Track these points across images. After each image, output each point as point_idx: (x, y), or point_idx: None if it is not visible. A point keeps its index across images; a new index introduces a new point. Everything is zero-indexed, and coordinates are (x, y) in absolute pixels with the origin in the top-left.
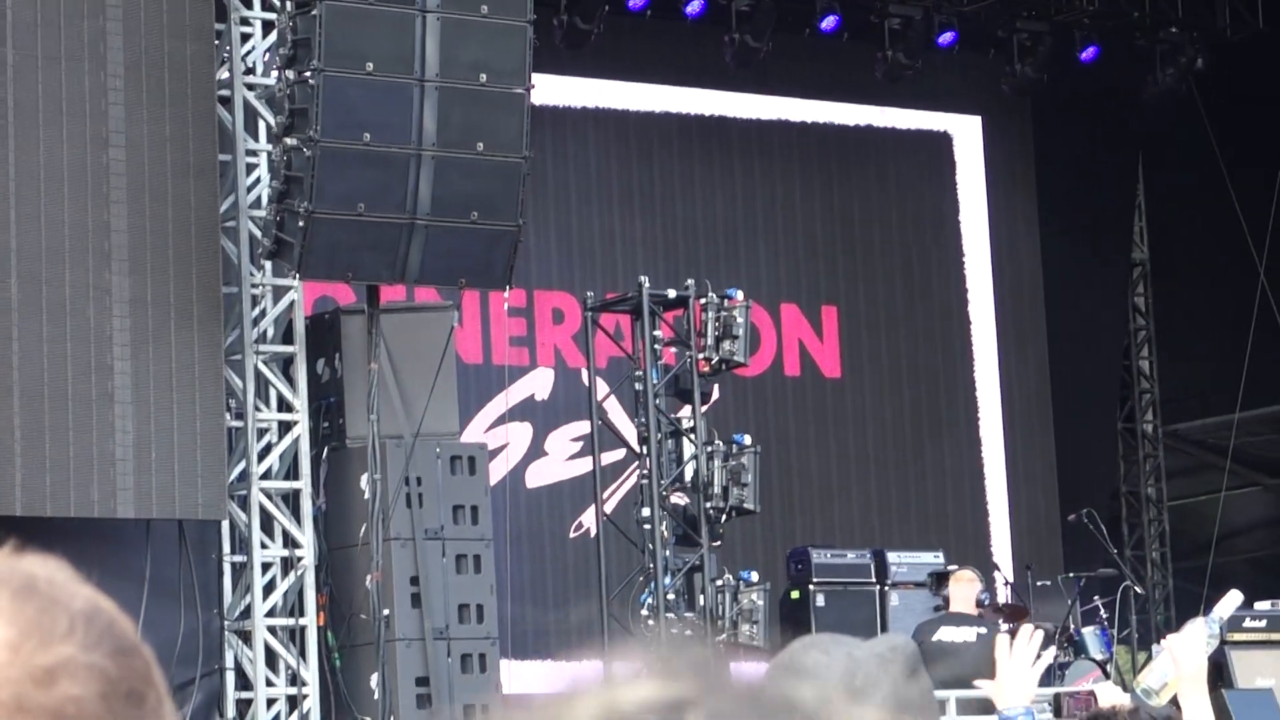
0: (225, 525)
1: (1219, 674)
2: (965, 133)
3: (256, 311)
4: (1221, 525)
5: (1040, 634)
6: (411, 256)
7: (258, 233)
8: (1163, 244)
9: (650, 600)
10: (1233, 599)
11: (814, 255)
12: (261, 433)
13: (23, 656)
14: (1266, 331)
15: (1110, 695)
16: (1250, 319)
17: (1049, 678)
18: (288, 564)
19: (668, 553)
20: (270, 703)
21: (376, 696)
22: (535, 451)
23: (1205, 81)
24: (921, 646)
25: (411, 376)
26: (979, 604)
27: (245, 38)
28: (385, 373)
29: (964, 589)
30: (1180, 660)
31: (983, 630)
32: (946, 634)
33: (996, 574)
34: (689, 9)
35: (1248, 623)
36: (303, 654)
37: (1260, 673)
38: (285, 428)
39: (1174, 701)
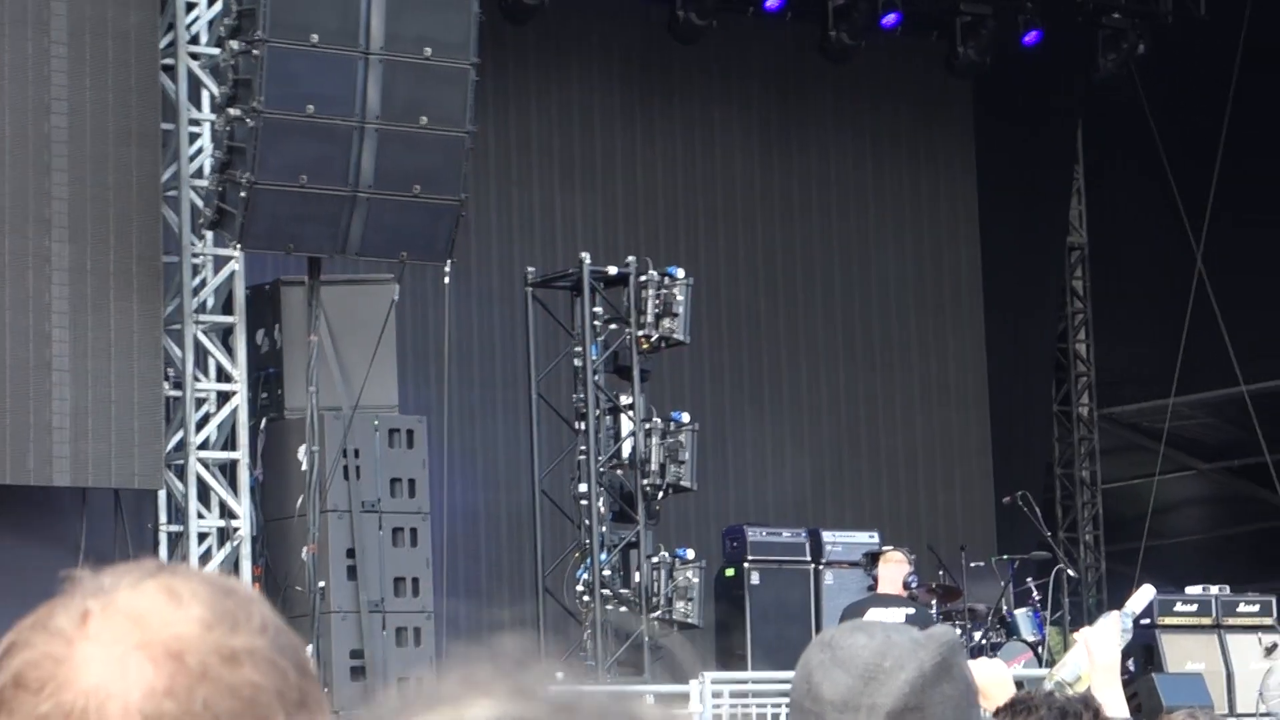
0: (162, 495)
1: (1149, 658)
2: (907, 114)
3: (197, 281)
4: (1155, 509)
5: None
6: (353, 229)
7: (199, 202)
8: (1101, 228)
9: (586, 576)
10: (1145, 594)
11: (754, 234)
12: (200, 403)
13: (215, 634)
14: (1203, 316)
15: (983, 669)
16: (1187, 303)
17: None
18: (224, 534)
19: (604, 529)
20: None
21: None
22: None
23: (1147, 67)
24: None
25: (351, 349)
26: (906, 585)
27: (190, 7)
28: (325, 345)
29: (892, 569)
30: (1094, 653)
31: (911, 611)
32: (876, 614)
33: (931, 555)
34: None
35: (1179, 607)
36: None
37: (1190, 657)
38: (224, 398)
39: None
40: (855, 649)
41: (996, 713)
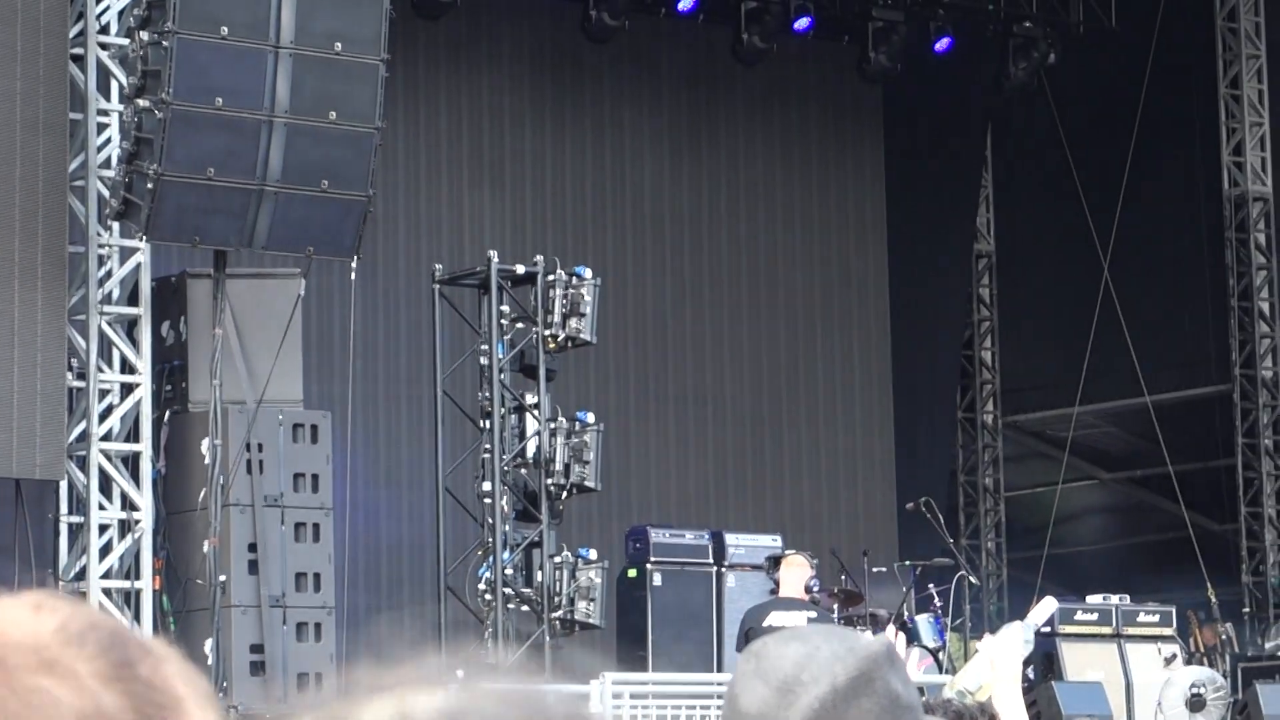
0: (63, 486)
1: (1049, 666)
2: (817, 119)
3: (102, 272)
4: (1057, 517)
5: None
6: (260, 223)
7: (106, 193)
8: (1008, 236)
9: (488, 575)
10: (1047, 606)
11: (663, 235)
12: (103, 394)
13: (47, 644)
14: (1108, 326)
15: (994, 643)
16: (1093, 313)
17: None
18: (125, 526)
19: (507, 528)
20: None
21: (210, 662)
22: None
23: (1057, 76)
24: (751, 632)
25: (257, 343)
26: (808, 589)
27: None
28: (230, 338)
29: (794, 573)
30: (996, 663)
31: (813, 615)
32: (777, 619)
33: (833, 559)
34: None
35: (1079, 616)
36: (137, 617)
37: (1090, 665)
38: (127, 390)
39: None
40: (779, 659)
41: None
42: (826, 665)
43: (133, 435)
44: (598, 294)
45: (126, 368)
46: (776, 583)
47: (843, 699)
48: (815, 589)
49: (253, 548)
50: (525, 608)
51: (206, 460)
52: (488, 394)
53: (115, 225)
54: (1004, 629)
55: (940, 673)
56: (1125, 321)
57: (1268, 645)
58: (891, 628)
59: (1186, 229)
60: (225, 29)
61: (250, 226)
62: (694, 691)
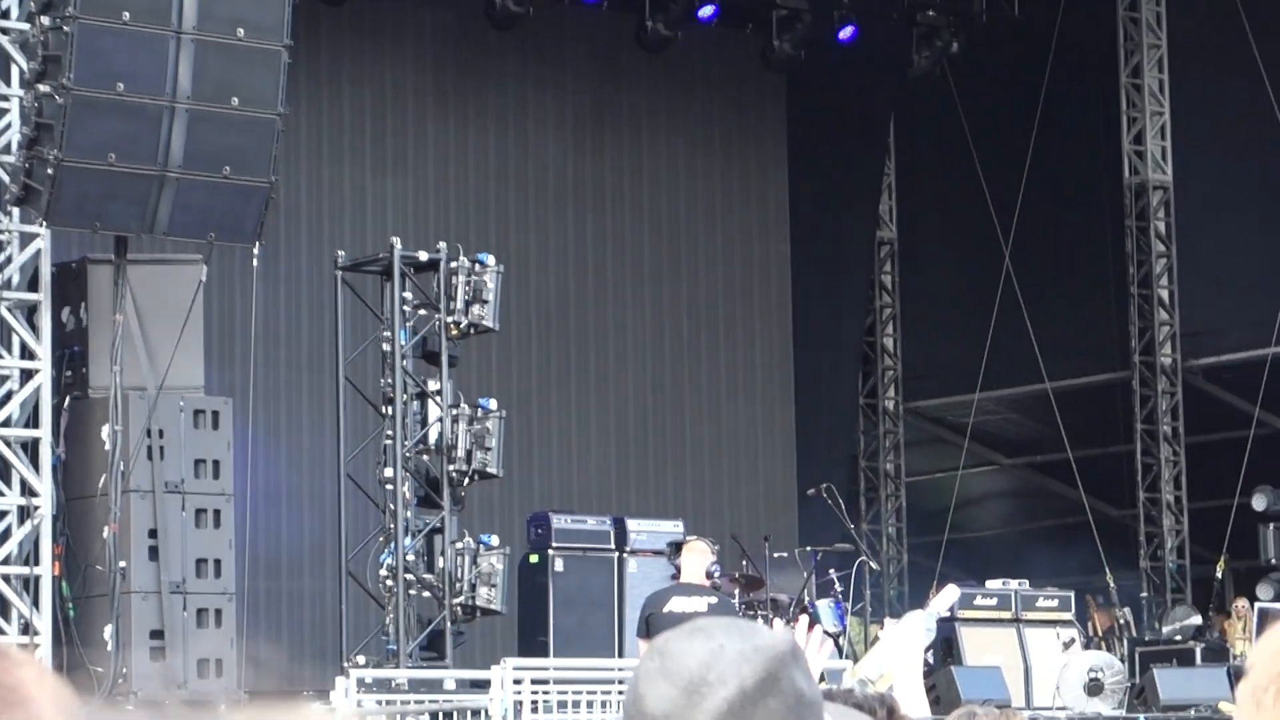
0: None
1: (948, 650)
2: (721, 106)
3: (2, 258)
4: (958, 503)
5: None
6: (161, 208)
7: (6, 178)
8: (911, 224)
9: (389, 561)
10: (949, 594)
11: (566, 222)
12: (2, 380)
13: None
14: (1009, 313)
15: (892, 633)
16: (994, 300)
17: None
18: (24, 512)
19: (409, 514)
20: None
21: (110, 648)
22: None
23: (960, 65)
24: (652, 617)
25: (157, 329)
26: (709, 574)
27: None
28: (131, 324)
29: (695, 559)
30: (897, 651)
31: (713, 600)
32: (678, 604)
33: (734, 544)
34: None
35: (979, 601)
36: (36, 603)
37: (989, 649)
38: (27, 376)
39: None
40: (683, 657)
41: None
42: (734, 665)
43: (32, 421)
44: (500, 281)
45: (26, 353)
46: (678, 568)
47: (750, 700)
48: (716, 574)
49: (153, 534)
50: (426, 594)
51: (107, 446)
52: (390, 380)
53: (15, 211)
54: (905, 617)
55: (840, 658)
56: (1026, 309)
57: (1165, 630)
58: (804, 618)
59: (1088, 217)
60: (127, 14)
61: (152, 212)
62: (595, 677)
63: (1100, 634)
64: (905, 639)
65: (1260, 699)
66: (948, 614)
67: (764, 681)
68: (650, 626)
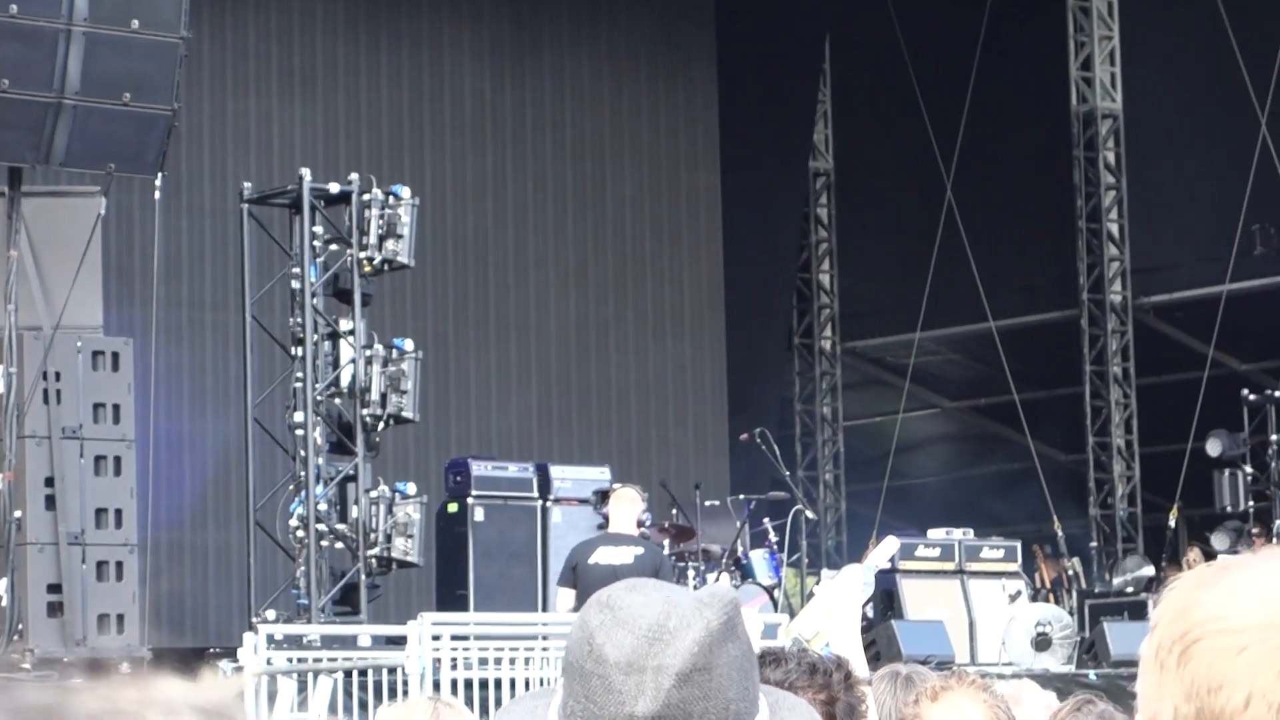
0: None
1: (889, 604)
2: (647, 30)
3: None
4: (898, 448)
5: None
6: (57, 138)
7: None
8: (848, 154)
9: (300, 510)
10: (888, 546)
11: (484, 153)
12: None
13: None
14: (951, 248)
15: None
16: (935, 235)
17: None
18: None
19: (320, 461)
20: None
21: (4, 603)
22: None
23: None
24: (578, 568)
25: (54, 265)
26: (639, 524)
27: None
28: (25, 260)
29: (624, 508)
30: (833, 608)
31: (640, 551)
32: (604, 555)
33: (663, 492)
34: None
35: (920, 551)
36: None
37: (932, 603)
38: None
39: None
40: (637, 609)
41: None
42: (693, 612)
43: None
44: (416, 214)
45: None
46: (605, 517)
47: (716, 643)
48: (647, 524)
49: (50, 482)
50: (339, 545)
51: (0, 389)
52: (299, 320)
53: None
54: (842, 571)
55: (775, 611)
56: (969, 244)
57: (1116, 581)
58: (725, 576)
59: (1034, 147)
60: None
61: (47, 142)
62: (518, 632)
63: (1048, 585)
64: (842, 594)
65: (1164, 660)
66: (888, 566)
67: (725, 625)
68: (576, 577)
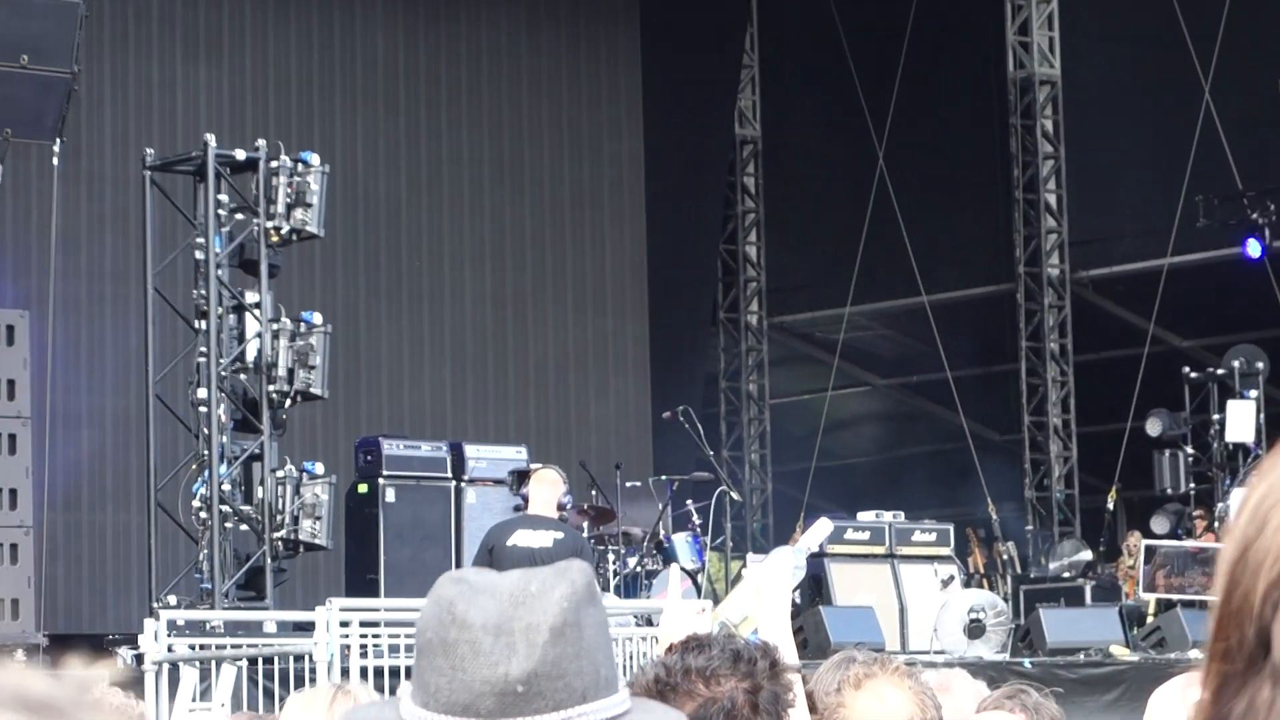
0: None
1: (817, 589)
2: None
3: None
4: (827, 426)
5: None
6: None
7: None
8: (775, 121)
9: (203, 490)
10: (820, 529)
11: (397, 119)
12: None
13: None
14: (883, 219)
15: (672, 608)
16: (866, 206)
17: (635, 588)
18: None
19: (225, 439)
20: None
21: None
22: None
23: None
24: (494, 551)
25: None
26: (560, 507)
27: None
28: None
29: (544, 490)
30: (762, 592)
31: (560, 535)
32: (523, 538)
33: (582, 473)
34: None
35: (849, 535)
36: None
37: (861, 588)
38: None
39: None
40: (493, 580)
41: (668, 649)
42: (555, 575)
43: None
44: (325, 182)
45: None
46: (524, 499)
47: (582, 603)
48: (569, 506)
49: None
50: (244, 527)
51: None
52: (203, 292)
53: None
54: (771, 555)
55: (699, 597)
56: (901, 215)
57: (1052, 566)
58: (676, 568)
59: (969, 114)
60: None
61: None
62: None
63: (982, 571)
64: (771, 579)
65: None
66: (817, 550)
67: (588, 587)
68: (493, 559)
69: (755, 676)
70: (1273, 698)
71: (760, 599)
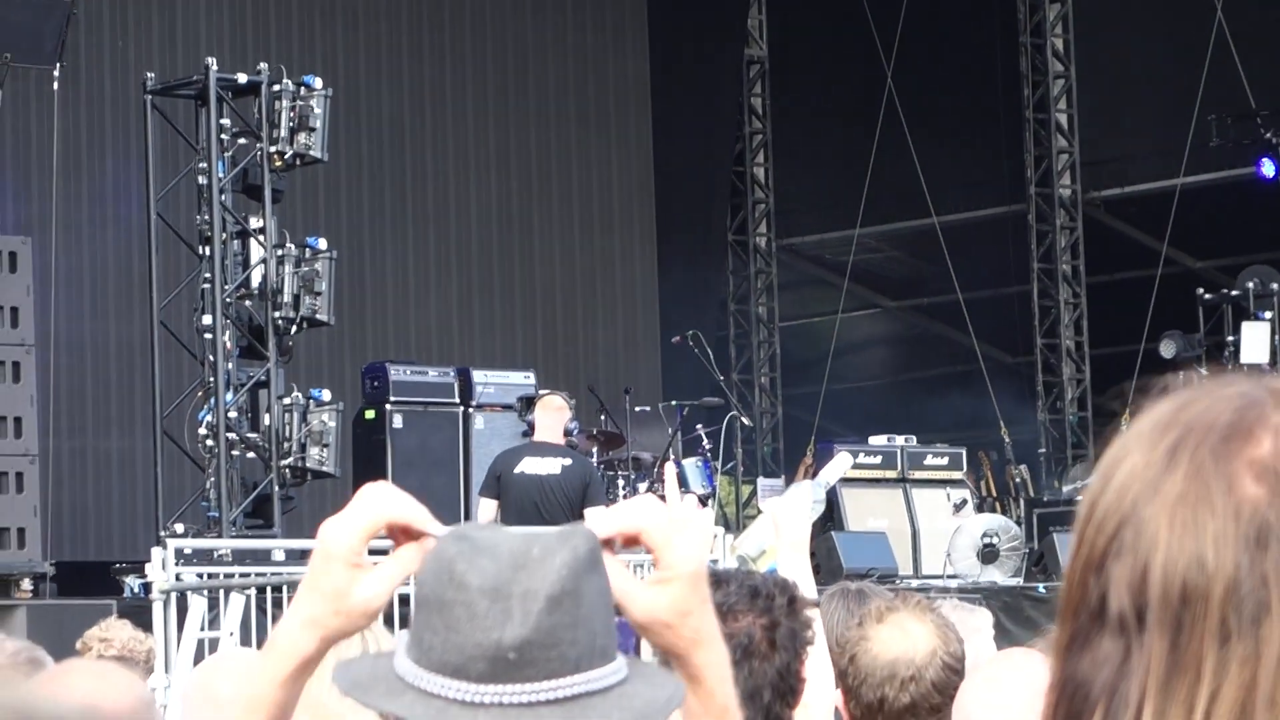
0: None
1: (828, 514)
2: None
3: None
4: (837, 349)
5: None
6: None
7: None
8: (783, 40)
9: (209, 418)
10: (840, 463)
11: (399, 40)
12: None
13: None
14: (892, 140)
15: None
16: (875, 125)
17: None
18: None
19: (230, 366)
20: None
21: None
22: None
23: None
24: (502, 478)
25: None
26: (567, 433)
27: None
28: None
29: (550, 417)
30: (781, 527)
31: (568, 462)
32: (530, 465)
33: (591, 397)
34: None
35: (861, 459)
36: None
37: (873, 513)
38: None
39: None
40: (496, 539)
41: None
42: (559, 539)
43: None
44: (328, 105)
45: None
46: (531, 425)
47: (584, 569)
48: (575, 432)
49: None
50: (251, 454)
51: None
52: (207, 217)
53: None
54: (790, 489)
55: (711, 523)
56: (911, 135)
57: (1065, 489)
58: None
59: (978, 32)
60: None
61: None
62: None
63: (994, 495)
64: (790, 513)
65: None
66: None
67: (591, 554)
68: (500, 487)
69: (773, 612)
70: (1112, 651)
71: (779, 533)
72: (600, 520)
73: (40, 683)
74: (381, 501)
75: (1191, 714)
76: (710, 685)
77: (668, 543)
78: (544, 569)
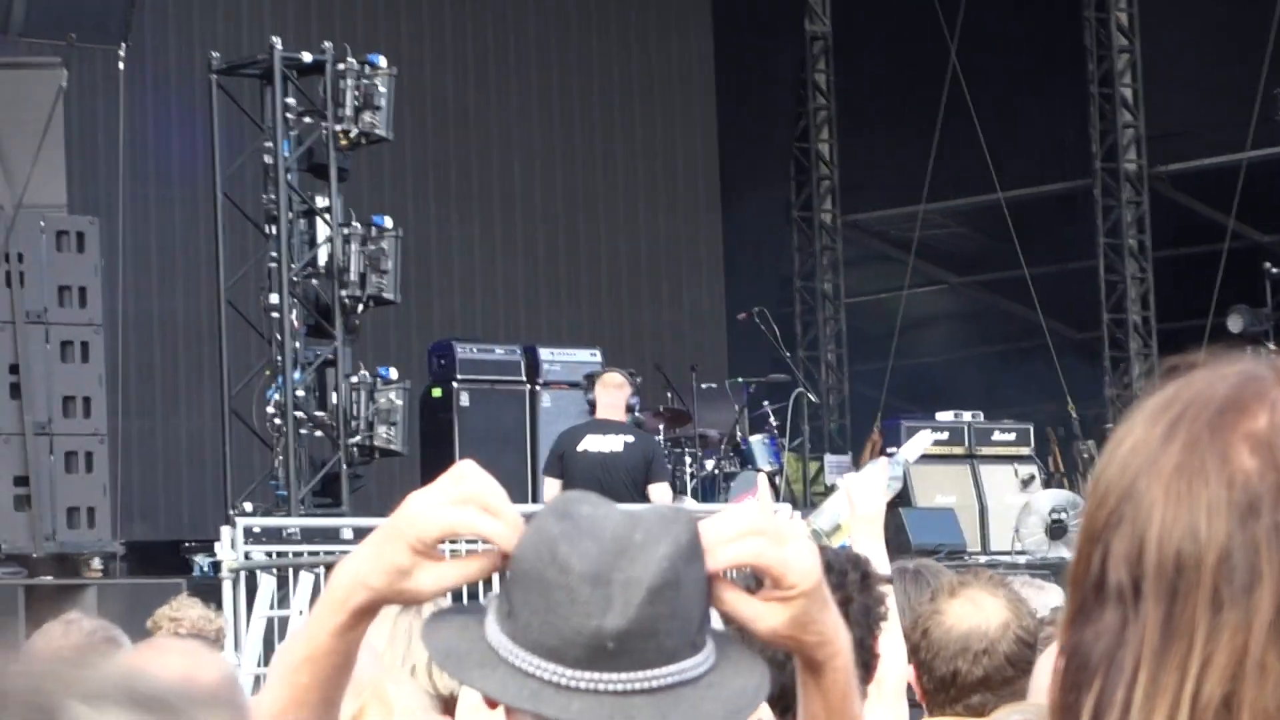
0: None
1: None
2: None
3: None
4: (903, 325)
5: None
6: (15, 6)
7: None
8: (846, 15)
9: (277, 397)
10: (922, 440)
11: (463, 19)
12: None
13: None
14: (957, 115)
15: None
16: (940, 101)
17: (713, 490)
18: None
19: (298, 345)
20: None
21: None
22: None
23: None
24: (565, 456)
25: (14, 141)
26: (629, 409)
27: None
28: None
29: (610, 394)
30: (856, 503)
31: (630, 439)
32: (593, 443)
33: (658, 375)
34: None
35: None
36: None
37: (940, 489)
38: None
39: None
40: (598, 519)
41: None
42: (661, 526)
43: None
44: (393, 84)
45: None
46: (592, 404)
47: (685, 558)
48: (637, 408)
49: (14, 369)
50: (319, 433)
51: None
52: (273, 196)
53: None
54: (867, 466)
55: (777, 500)
56: (975, 111)
57: None
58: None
59: (1042, 6)
60: None
61: (4, 10)
62: None
63: (1062, 470)
64: (866, 489)
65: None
66: (892, 450)
67: (691, 542)
68: (564, 465)
69: (845, 588)
70: (1112, 621)
71: (854, 509)
72: (712, 551)
73: (137, 655)
74: (469, 498)
75: (1184, 680)
76: (831, 676)
77: (784, 564)
78: (646, 557)
